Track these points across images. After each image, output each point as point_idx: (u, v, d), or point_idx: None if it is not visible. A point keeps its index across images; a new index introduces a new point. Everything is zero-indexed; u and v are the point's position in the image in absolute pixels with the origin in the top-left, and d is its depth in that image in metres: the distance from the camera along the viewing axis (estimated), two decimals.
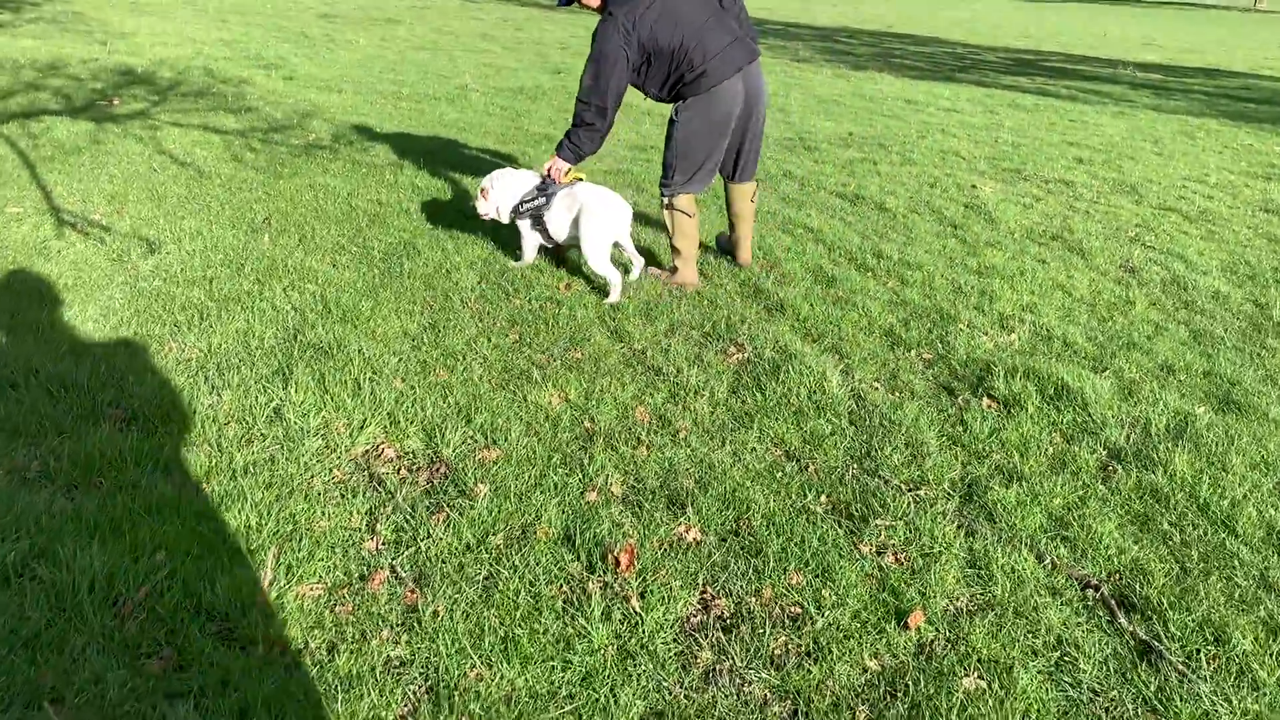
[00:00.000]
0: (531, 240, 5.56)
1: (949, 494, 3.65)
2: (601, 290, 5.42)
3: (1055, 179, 9.11)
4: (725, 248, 6.09)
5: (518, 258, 5.73)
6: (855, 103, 12.95)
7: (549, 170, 5.32)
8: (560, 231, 5.36)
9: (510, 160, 8.25)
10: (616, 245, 5.43)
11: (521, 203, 5.36)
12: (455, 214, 6.63)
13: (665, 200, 5.35)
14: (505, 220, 5.51)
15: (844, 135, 10.32)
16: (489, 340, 4.71)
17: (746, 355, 4.77)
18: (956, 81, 16.18)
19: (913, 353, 4.87)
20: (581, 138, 5.13)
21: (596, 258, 5.19)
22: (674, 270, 5.56)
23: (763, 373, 4.56)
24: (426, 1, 26.23)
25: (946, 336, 5.08)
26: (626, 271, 5.56)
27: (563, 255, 5.82)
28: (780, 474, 3.72)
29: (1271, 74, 20.53)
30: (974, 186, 8.54)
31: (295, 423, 3.84)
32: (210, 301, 4.96)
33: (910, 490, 3.66)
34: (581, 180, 5.42)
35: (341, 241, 5.99)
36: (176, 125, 8.66)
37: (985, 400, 4.40)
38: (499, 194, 5.42)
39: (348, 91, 10.96)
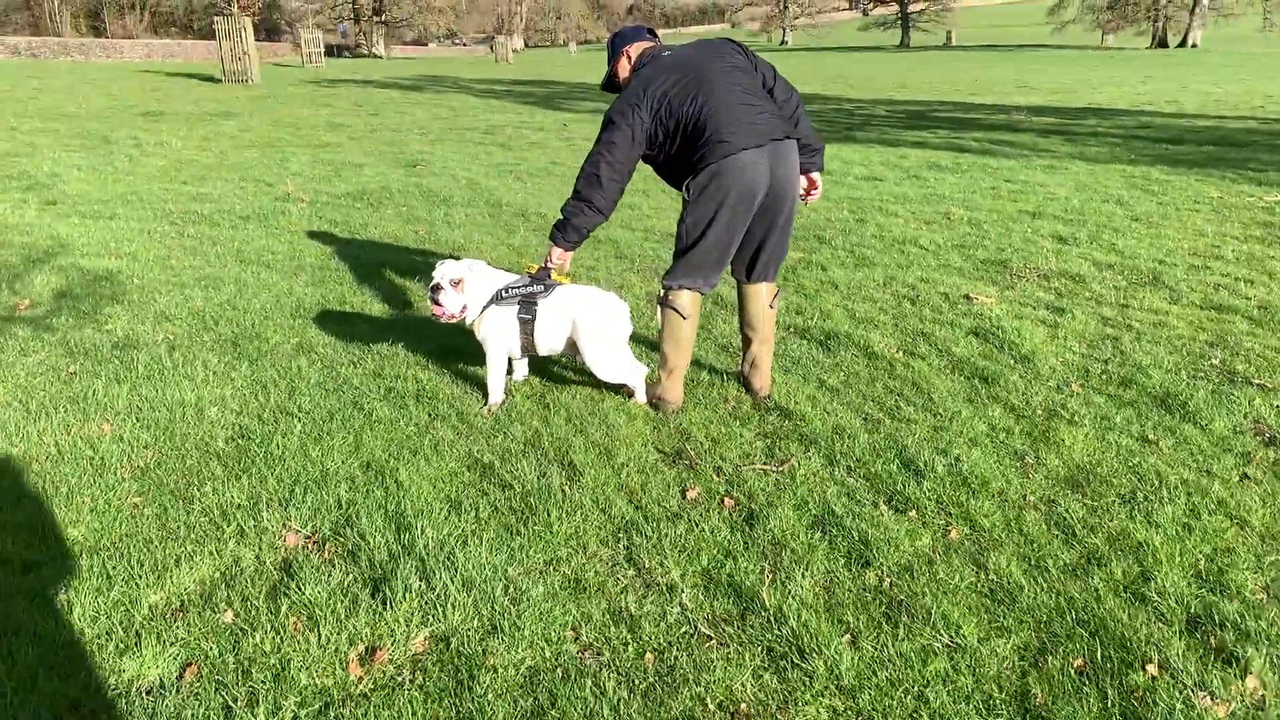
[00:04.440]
0: (500, 363, 4.16)
1: None
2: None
3: (1052, 271, 6.58)
4: (738, 375, 4.51)
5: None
6: None
7: (545, 263, 4.17)
8: (550, 340, 4.13)
9: (325, 323, 5.33)
10: None
11: (509, 287, 4.12)
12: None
13: (661, 293, 4.14)
14: (472, 317, 4.15)
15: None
16: None
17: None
18: (858, 141, 13.84)
19: None
20: (576, 214, 4.02)
21: (610, 369, 4.15)
22: (656, 382, 4.25)
23: None
24: (274, 91, 23.08)
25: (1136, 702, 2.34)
26: None
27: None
28: None
29: (1154, 109, 18.85)
30: (967, 298, 5.92)
31: None
32: None
33: None
34: (565, 284, 4.21)
35: None
36: None
37: None
38: (478, 284, 4.12)
39: (121, 217, 7.86)
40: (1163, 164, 11.60)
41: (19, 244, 6.79)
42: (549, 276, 4.13)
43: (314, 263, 6.58)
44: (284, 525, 3.15)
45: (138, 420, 3.94)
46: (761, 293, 4.22)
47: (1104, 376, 4.64)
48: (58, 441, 3.73)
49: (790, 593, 2.85)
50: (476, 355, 4.66)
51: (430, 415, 4.03)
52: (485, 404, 4.15)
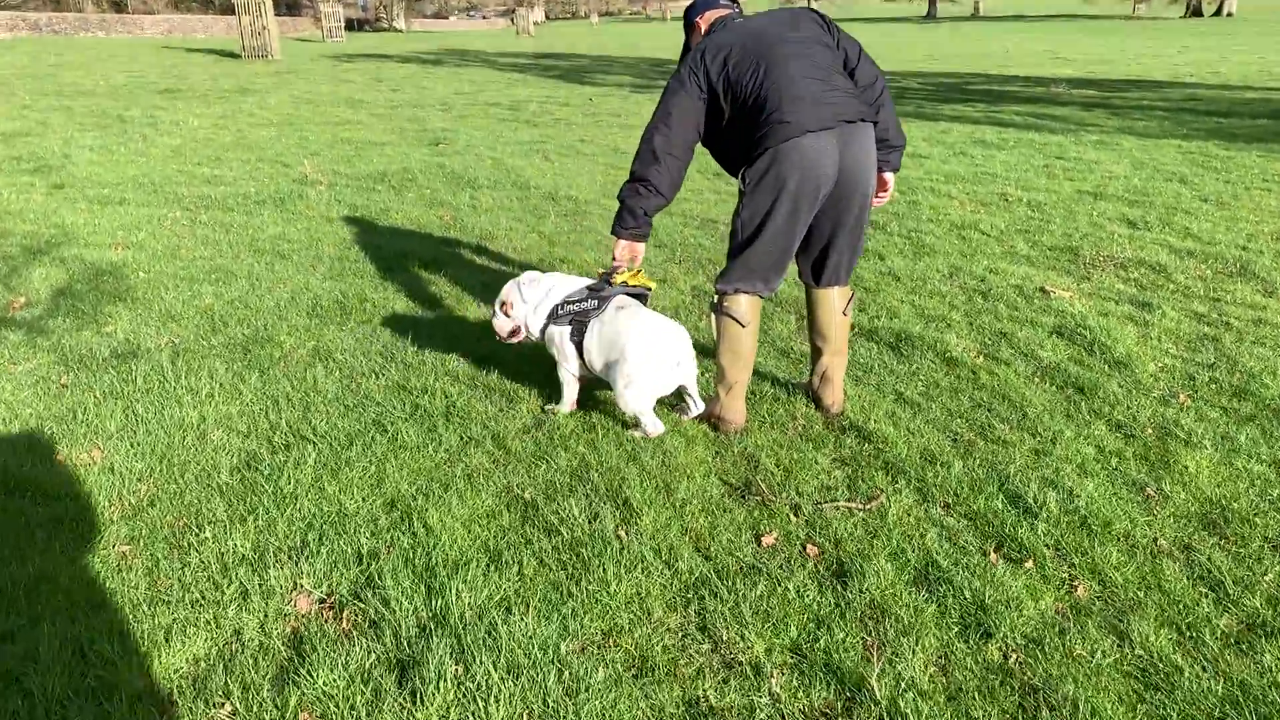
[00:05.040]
0: (573, 367, 3.67)
1: None
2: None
3: (1128, 259, 6.00)
4: (806, 388, 3.94)
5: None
6: None
7: (614, 261, 3.66)
8: (592, 360, 3.59)
9: (338, 318, 4.83)
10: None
11: (565, 302, 3.63)
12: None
13: (715, 299, 3.57)
14: (535, 336, 3.76)
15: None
16: None
17: None
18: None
19: None
20: (631, 195, 3.50)
21: (639, 404, 3.48)
22: (714, 398, 3.70)
23: None
24: (294, 66, 22.54)
25: None
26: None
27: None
28: None
29: (1197, 80, 18.06)
30: (1043, 291, 5.35)
31: None
32: None
33: None
34: (648, 289, 3.70)
35: None
36: None
37: None
38: (534, 294, 3.72)
39: (131, 202, 7.36)
40: (1218, 139, 10.95)
41: (21, 233, 6.31)
42: (611, 280, 3.60)
43: (332, 253, 6.07)
44: (294, 585, 2.65)
45: (132, 446, 3.45)
46: (833, 298, 3.67)
47: (1213, 386, 4.08)
48: (38, 476, 3.24)
49: (901, 675, 2.33)
50: (512, 364, 4.14)
51: (462, 438, 3.52)
52: (552, 404, 3.73)
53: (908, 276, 5.65)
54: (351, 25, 52.13)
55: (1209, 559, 2.83)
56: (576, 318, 3.58)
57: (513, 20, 49.15)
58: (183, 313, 4.87)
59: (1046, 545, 2.89)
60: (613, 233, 3.59)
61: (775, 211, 3.30)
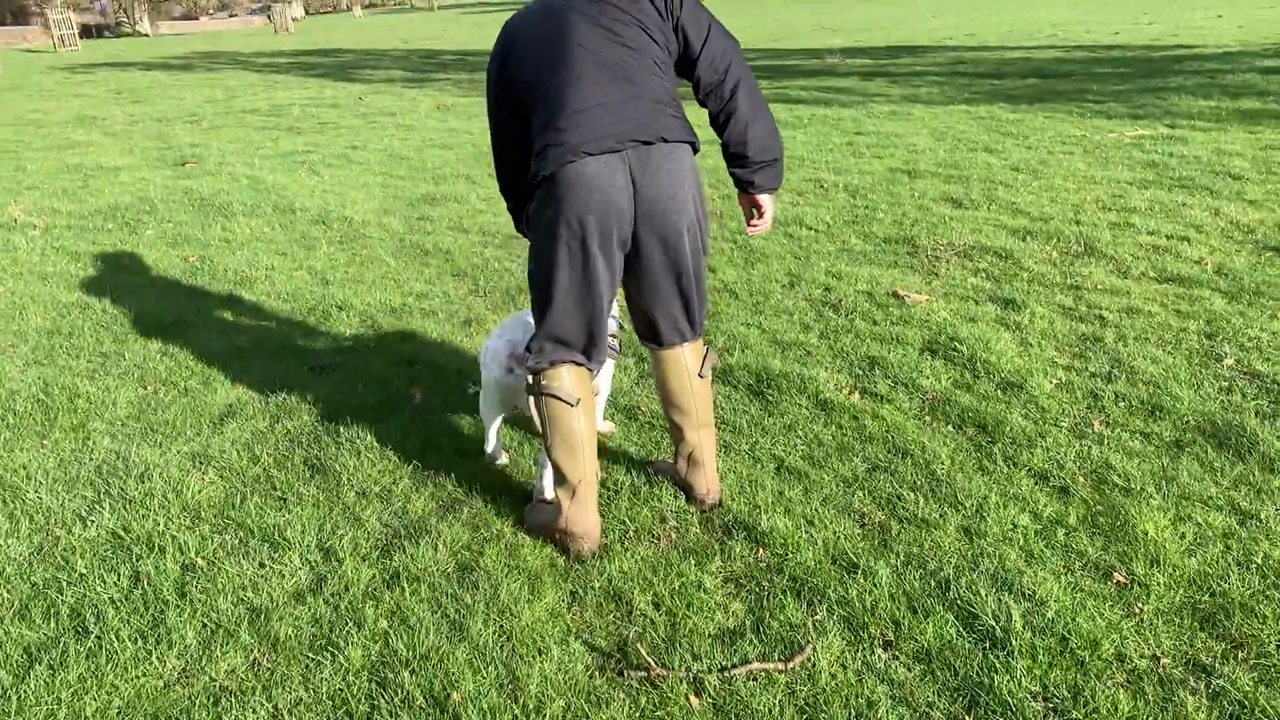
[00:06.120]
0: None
1: None
2: None
3: (969, 246, 5.44)
4: (671, 474, 3.01)
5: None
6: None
7: None
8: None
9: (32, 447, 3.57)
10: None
11: None
12: None
13: (530, 379, 2.65)
14: None
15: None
16: None
17: None
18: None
19: None
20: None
21: (483, 413, 3.06)
22: (555, 508, 2.72)
23: None
24: (17, 82, 19.80)
25: None
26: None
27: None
28: None
29: (957, 43, 18.37)
30: (896, 296, 4.67)
31: None
32: None
33: None
34: None
35: None
36: None
37: None
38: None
39: None
40: (1001, 101, 10.84)
41: None
42: None
43: (40, 326, 4.70)
44: None
45: None
46: (682, 359, 2.78)
47: (1123, 405, 3.46)
48: None
49: None
50: (283, 478, 3.04)
51: (205, 630, 2.42)
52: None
53: (746, 291, 4.85)
54: (90, 32, 47.35)
55: (1233, 684, 2.11)
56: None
57: (270, 17, 45.89)
58: None
59: (1032, 694, 2.10)
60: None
61: (559, 259, 2.47)
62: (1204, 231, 5.48)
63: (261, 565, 2.65)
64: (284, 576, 2.59)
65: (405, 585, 2.53)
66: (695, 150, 2.57)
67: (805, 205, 6.55)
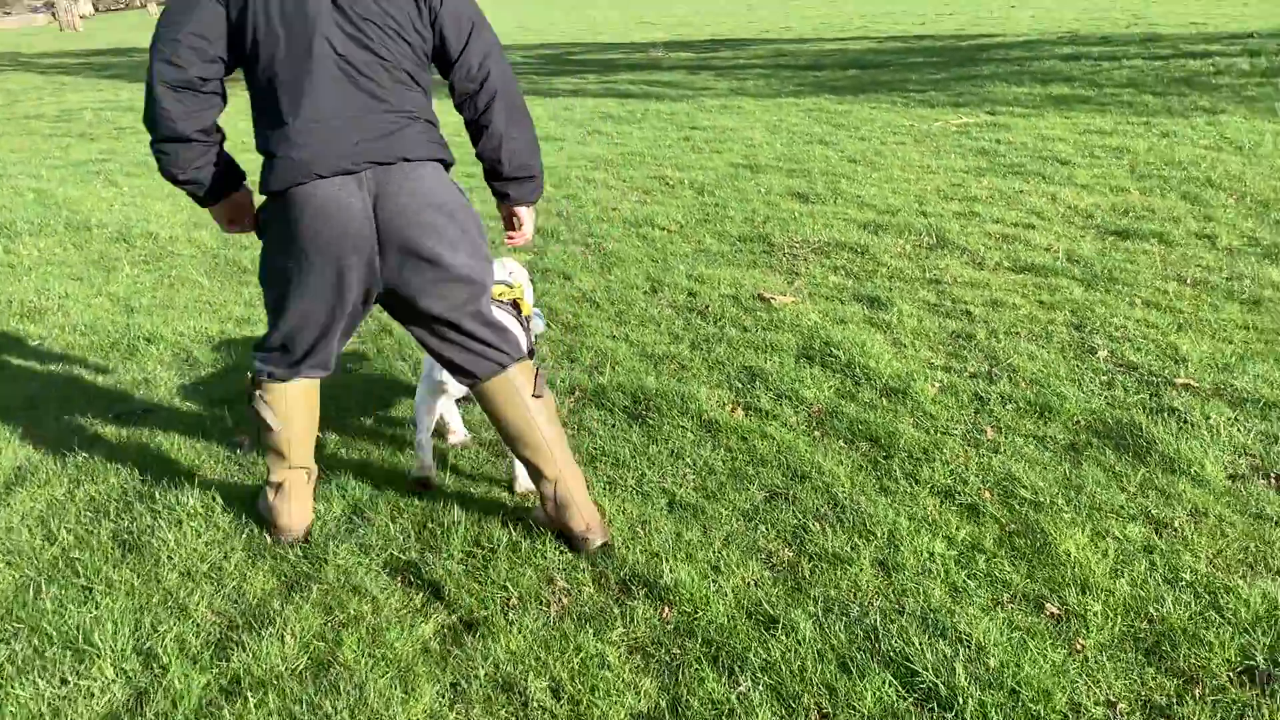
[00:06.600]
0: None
1: None
2: None
3: (824, 242, 5.31)
4: (546, 523, 2.63)
5: None
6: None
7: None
8: None
9: None
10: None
11: None
12: None
13: (249, 379, 2.55)
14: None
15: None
16: None
17: None
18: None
19: None
20: None
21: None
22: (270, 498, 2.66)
23: None
24: None
25: None
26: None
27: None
28: None
29: (774, 35, 18.60)
30: (760, 299, 4.44)
31: None
32: None
33: None
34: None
35: None
36: None
37: None
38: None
39: None
40: (826, 93, 10.88)
41: None
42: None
43: None
44: None
45: None
46: (511, 386, 2.49)
47: (1010, 407, 3.32)
48: None
49: None
50: (83, 575, 2.50)
51: None
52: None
53: (607, 300, 4.51)
54: None
55: None
56: None
57: (54, 15, 42.30)
58: None
59: None
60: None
61: (293, 279, 2.30)
62: (1046, 218, 5.50)
63: (63, 682, 2.13)
64: (93, 695, 2.09)
65: (249, 694, 2.07)
66: (448, 167, 2.35)
67: (654, 204, 6.28)
